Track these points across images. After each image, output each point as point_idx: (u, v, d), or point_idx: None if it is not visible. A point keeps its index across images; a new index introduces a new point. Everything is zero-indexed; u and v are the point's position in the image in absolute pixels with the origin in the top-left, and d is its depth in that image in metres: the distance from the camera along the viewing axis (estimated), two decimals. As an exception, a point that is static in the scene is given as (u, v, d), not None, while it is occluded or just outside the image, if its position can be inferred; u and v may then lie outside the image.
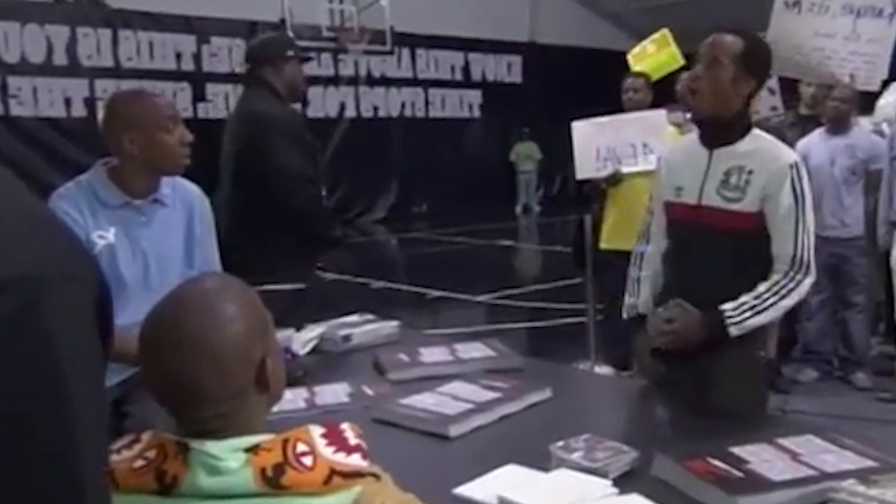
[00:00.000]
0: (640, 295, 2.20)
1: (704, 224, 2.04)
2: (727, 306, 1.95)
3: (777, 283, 1.96)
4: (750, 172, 1.97)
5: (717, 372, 2.00)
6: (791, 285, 1.95)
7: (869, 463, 1.44)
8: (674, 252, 2.15)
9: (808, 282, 1.97)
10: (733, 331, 1.93)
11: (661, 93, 4.81)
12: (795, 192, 1.95)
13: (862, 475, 1.35)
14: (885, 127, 4.69)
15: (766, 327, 2.04)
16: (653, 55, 5.12)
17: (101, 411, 0.72)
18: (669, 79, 5.02)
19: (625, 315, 2.24)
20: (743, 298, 1.95)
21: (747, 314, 1.94)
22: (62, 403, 0.66)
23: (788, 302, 1.96)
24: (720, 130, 2.03)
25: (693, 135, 2.17)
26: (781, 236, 1.97)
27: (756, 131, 2.08)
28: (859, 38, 4.52)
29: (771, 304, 1.95)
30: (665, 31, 5.16)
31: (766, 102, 5.43)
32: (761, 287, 1.96)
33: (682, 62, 5.00)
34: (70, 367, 0.67)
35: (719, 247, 2.01)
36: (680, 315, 1.99)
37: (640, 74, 4.55)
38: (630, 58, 5.26)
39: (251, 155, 2.93)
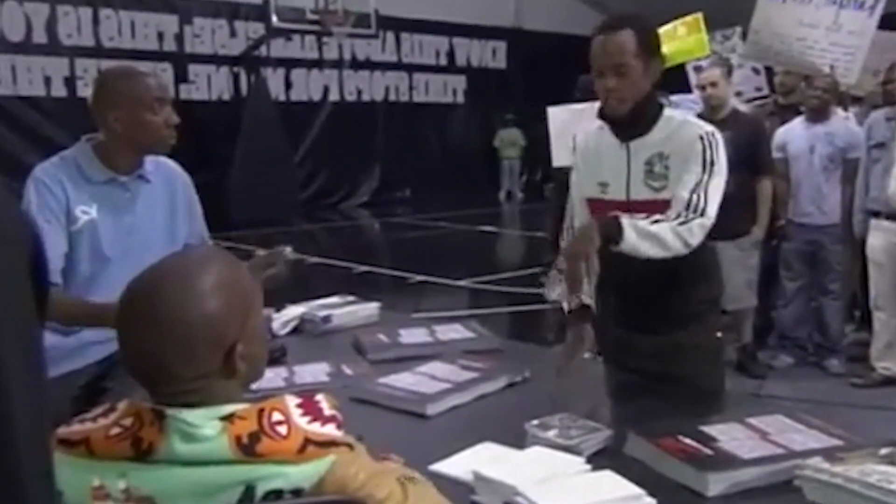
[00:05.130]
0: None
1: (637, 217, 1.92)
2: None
3: (669, 216, 1.88)
4: (667, 157, 1.94)
5: (676, 354, 2.01)
6: (681, 219, 1.86)
7: (835, 442, 1.47)
8: (604, 247, 1.89)
9: (702, 221, 1.87)
10: (627, 230, 1.80)
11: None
12: (705, 160, 1.90)
13: (828, 453, 1.38)
14: (851, 115, 4.74)
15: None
16: (682, 38, 5.03)
17: (36, 374, 0.70)
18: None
19: (566, 307, 2.08)
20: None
21: (641, 220, 1.84)
22: None
23: (680, 229, 1.84)
24: (633, 123, 1.99)
25: (603, 129, 2.07)
26: (678, 185, 1.90)
27: (667, 113, 2.01)
28: (840, 28, 4.56)
29: (665, 221, 1.85)
30: (698, 16, 4.94)
31: (751, 82, 5.44)
32: None
33: (707, 52, 4.95)
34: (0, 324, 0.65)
35: None
36: (578, 231, 1.93)
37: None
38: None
39: None
